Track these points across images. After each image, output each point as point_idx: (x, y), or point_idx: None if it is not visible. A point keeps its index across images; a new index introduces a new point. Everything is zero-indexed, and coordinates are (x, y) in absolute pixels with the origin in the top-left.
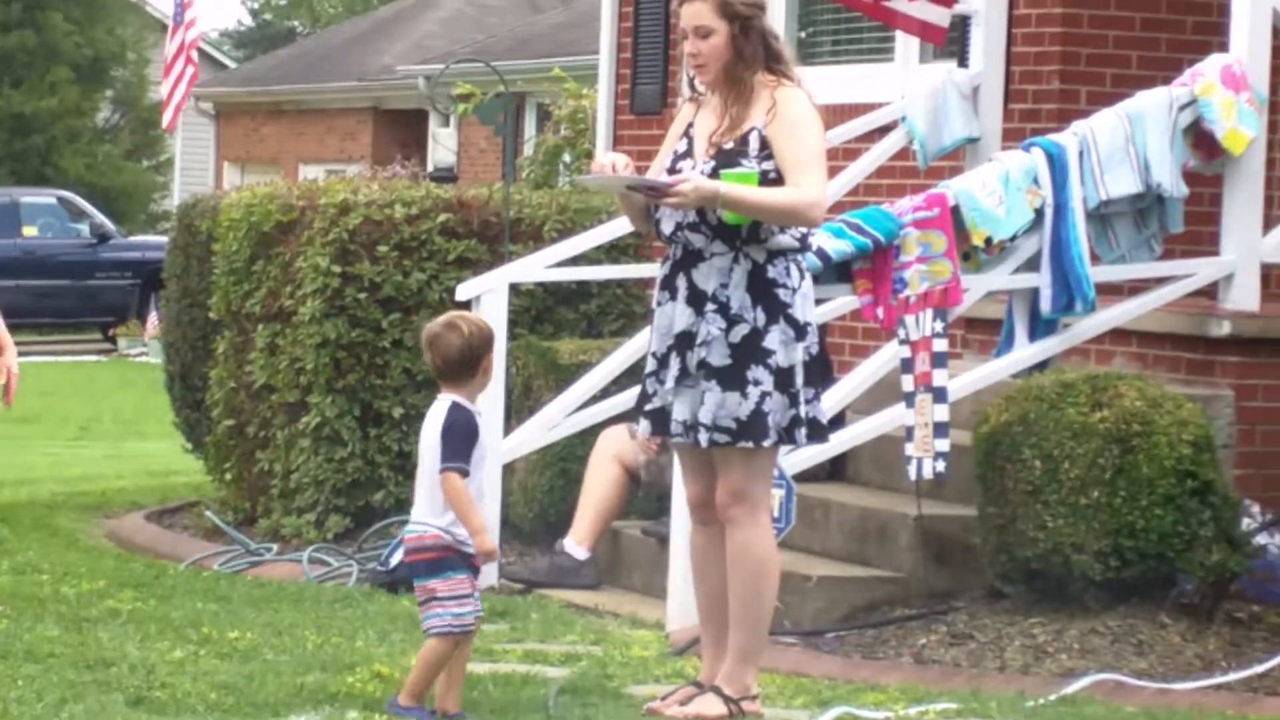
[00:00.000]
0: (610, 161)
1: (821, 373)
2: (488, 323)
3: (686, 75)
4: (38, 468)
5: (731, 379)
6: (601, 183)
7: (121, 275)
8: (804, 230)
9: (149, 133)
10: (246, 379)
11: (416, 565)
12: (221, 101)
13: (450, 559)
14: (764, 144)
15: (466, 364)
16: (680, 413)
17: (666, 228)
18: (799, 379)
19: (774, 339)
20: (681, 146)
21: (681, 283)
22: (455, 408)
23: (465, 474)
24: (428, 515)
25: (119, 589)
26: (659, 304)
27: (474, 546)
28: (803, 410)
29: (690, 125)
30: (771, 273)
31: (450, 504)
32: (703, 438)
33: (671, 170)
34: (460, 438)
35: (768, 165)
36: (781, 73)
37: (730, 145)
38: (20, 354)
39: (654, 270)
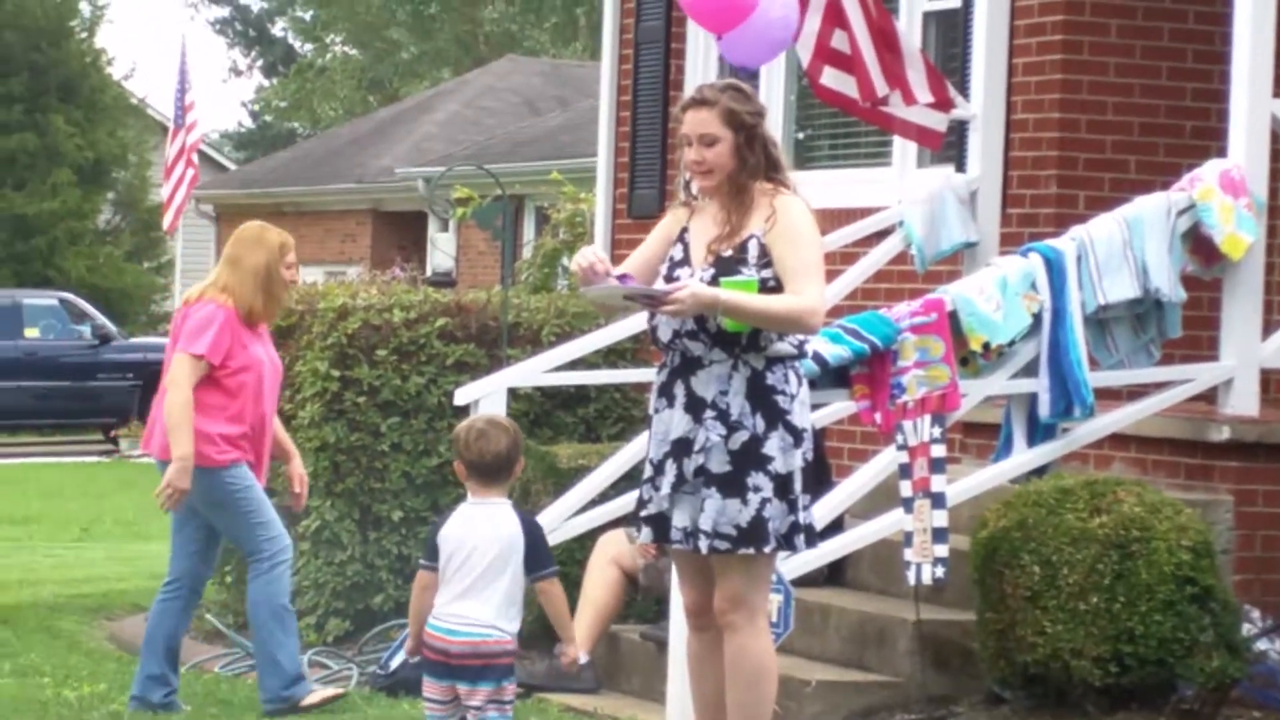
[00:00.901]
0: (589, 263)
1: (819, 477)
2: None
3: (682, 179)
4: (40, 569)
5: (731, 486)
6: (601, 294)
7: (123, 376)
8: (802, 337)
9: (150, 234)
10: None
11: (491, 669)
12: (222, 203)
13: (514, 665)
14: (763, 252)
15: (512, 462)
16: (680, 519)
17: (664, 335)
18: (797, 485)
19: (773, 445)
20: (677, 254)
21: (679, 390)
22: (525, 513)
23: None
24: (501, 621)
25: (120, 692)
26: (656, 411)
27: (568, 654)
28: (801, 517)
29: (685, 231)
30: (770, 379)
31: (553, 610)
32: (703, 544)
33: (668, 278)
34: (547, 543)
35: (766, 273)
36: (779, 180)
37: (729, 253)
38: (22, 456)
39: (651, 375)
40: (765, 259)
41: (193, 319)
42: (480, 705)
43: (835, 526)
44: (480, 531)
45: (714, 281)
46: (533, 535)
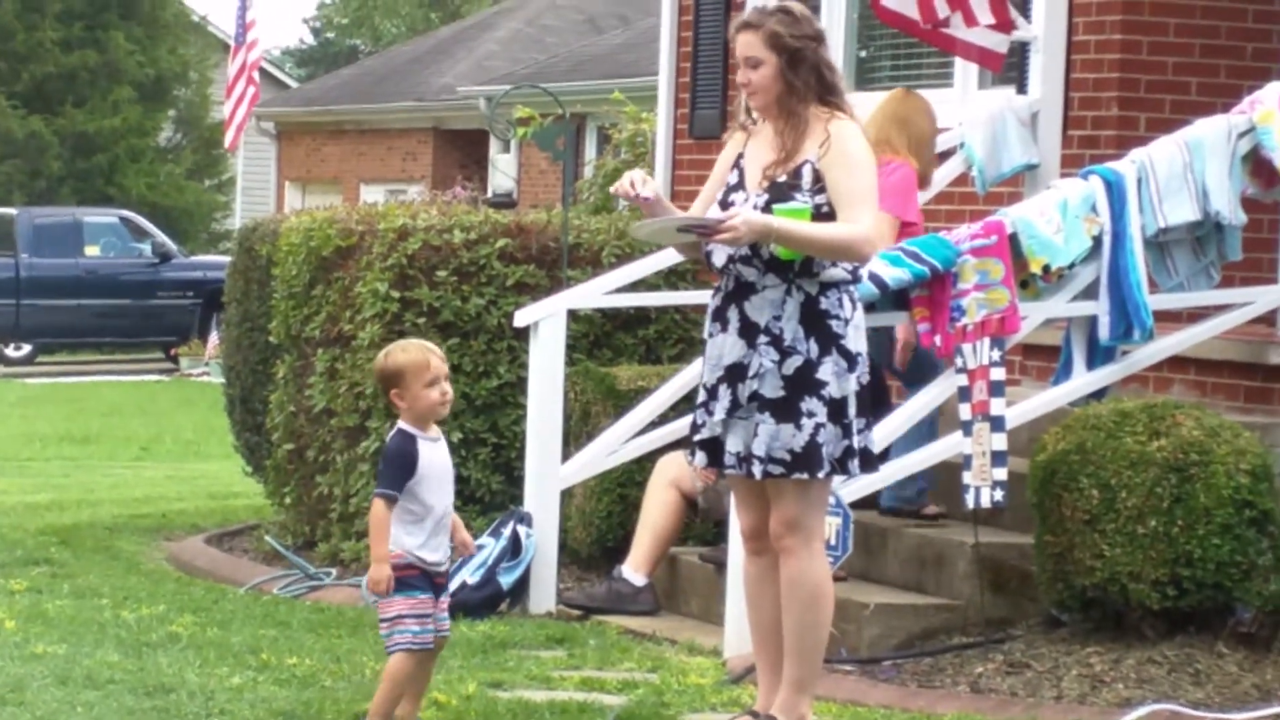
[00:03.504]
0: (629, 181)
1: (876, 400)
2: (405, 356)
3: (742, 101)
4: (99, 488)
5: (785, 411)
6: (653, 230)
7: (183, 295)
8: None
9: (211, 152)
10: (306, 403)
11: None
12: (283, 121)
13: (413, 578)
14: (817, 177)
15: (381, 389)
16: (734, 444)
17: (718, 260)
18: (851, 410)
19: (827, 370)
20: (733, 179)
21: (733, 314)
22: (395, 433)
23: (392, 500)
24: (394, 542)
25: (179, 613)
26: (710, 335)
27: (369, 573)
28: (855, 441)
29: (741, 156)
30: (824, 304)
31: (370, 525)
32: (757, 470)
33: (724, 203)
34: (389, 463)
35: (820, 199)
36: (835, 104)
37: (783, 179)
38: (82, 374)
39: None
40: (819, 185)
41: (893, 179)
42: (388, 619)
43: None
44: None
45: (767, 207)
46: (383, 452)
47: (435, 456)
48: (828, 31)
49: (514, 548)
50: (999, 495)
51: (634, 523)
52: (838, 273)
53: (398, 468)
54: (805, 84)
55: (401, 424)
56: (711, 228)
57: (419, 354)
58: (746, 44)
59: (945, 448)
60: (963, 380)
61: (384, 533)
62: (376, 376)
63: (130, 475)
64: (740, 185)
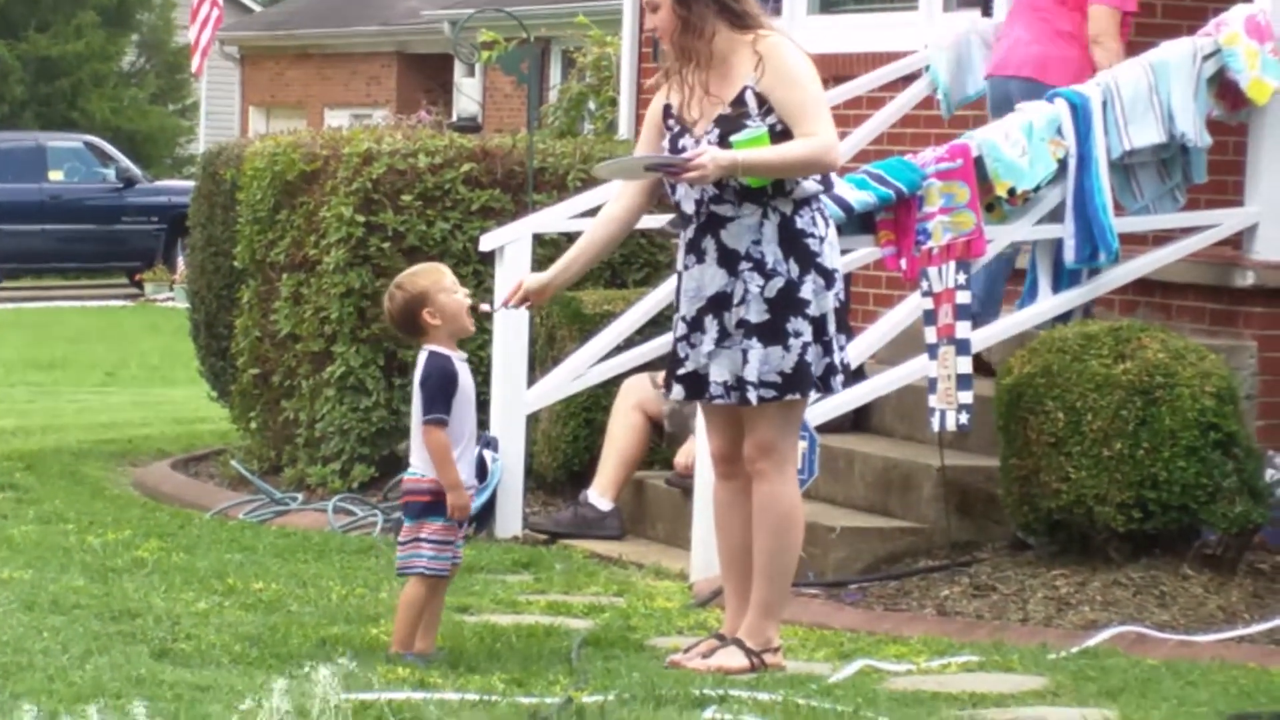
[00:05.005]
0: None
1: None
2: (422, 277)
3: (659, 49)
4: (64, 414)
5: (772, 333)
6: (619, 168)
7: (148, 220)
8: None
9: (175, 76)
10: (271, 328)
11: (410, 506)
12: (247, 45)
13: (442, 505)
14: (761, 100)
15: (404, 325)
16: (719, 374)
17: (688, 208)
18: (831, 327)
19: (808, 289)
20: (674, 126)
21: (710, 245)
22: (431, 357)
23: (444, 424)
24: (420, 465)
25: (145, 539)
26: (686, 267)
27: (448, 501)
28: (837, 358)
29: (669, 107)
30: (800, 223)
31: (430, 457)
32: (752, 395)
33: (673, 152)
34: (436, 388)
35: (771, 119)
36: (752, 26)
37: (728, 110)
38: (47, 300)
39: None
40: (766, 106)
41: None
42: (406, 542)
43: (857, 373)
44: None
45: (722, 142)
46: (424, 379)
47: (466, 377)
48: None
49: (480, 472)
50: (964, 418)
51: (600, 447)
52: (810, 185)
53: (442, 388)
54: (701, 18)
55: (430, 347)
56: (679, 166)
57: (432, 270)
58: None
59: (910, 371)
60: (928, 304)
61: (450, 457)
62: (401, 307)
63: (96, 401)
64: (683, 131)
